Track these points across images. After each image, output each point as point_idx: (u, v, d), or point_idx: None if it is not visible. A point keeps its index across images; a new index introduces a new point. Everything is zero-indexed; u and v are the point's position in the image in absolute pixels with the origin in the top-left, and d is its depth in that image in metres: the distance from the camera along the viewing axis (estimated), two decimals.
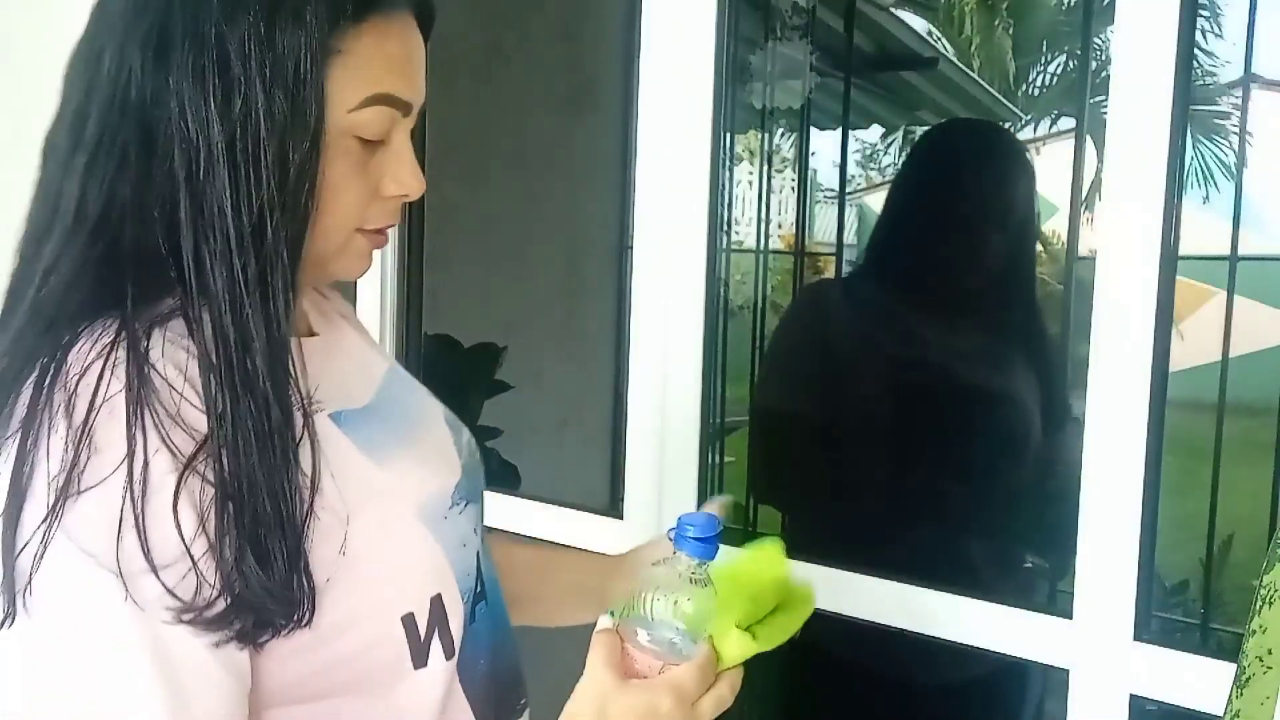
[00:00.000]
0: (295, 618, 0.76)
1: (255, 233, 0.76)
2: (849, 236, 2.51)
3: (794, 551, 1.51)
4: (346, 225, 0.84)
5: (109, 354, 0.74)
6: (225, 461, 0.74)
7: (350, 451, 0.85)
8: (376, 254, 0.91)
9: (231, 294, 0.76)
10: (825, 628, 1.65)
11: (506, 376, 2.84)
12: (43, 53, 2.40)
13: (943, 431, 1.84)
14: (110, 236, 0.78)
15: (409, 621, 0.83)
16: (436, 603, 0.86)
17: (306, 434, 0.79)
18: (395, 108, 0.83)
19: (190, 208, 0.76)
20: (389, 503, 0.85)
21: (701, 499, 1.73)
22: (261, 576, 0.73)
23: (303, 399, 0.80)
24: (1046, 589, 1.86)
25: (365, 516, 0.82)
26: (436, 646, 0.85)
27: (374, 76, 0.81)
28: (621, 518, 1.80)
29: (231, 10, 0.76)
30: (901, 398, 1.86)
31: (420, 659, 0.84)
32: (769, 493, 2.12)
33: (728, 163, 1.83)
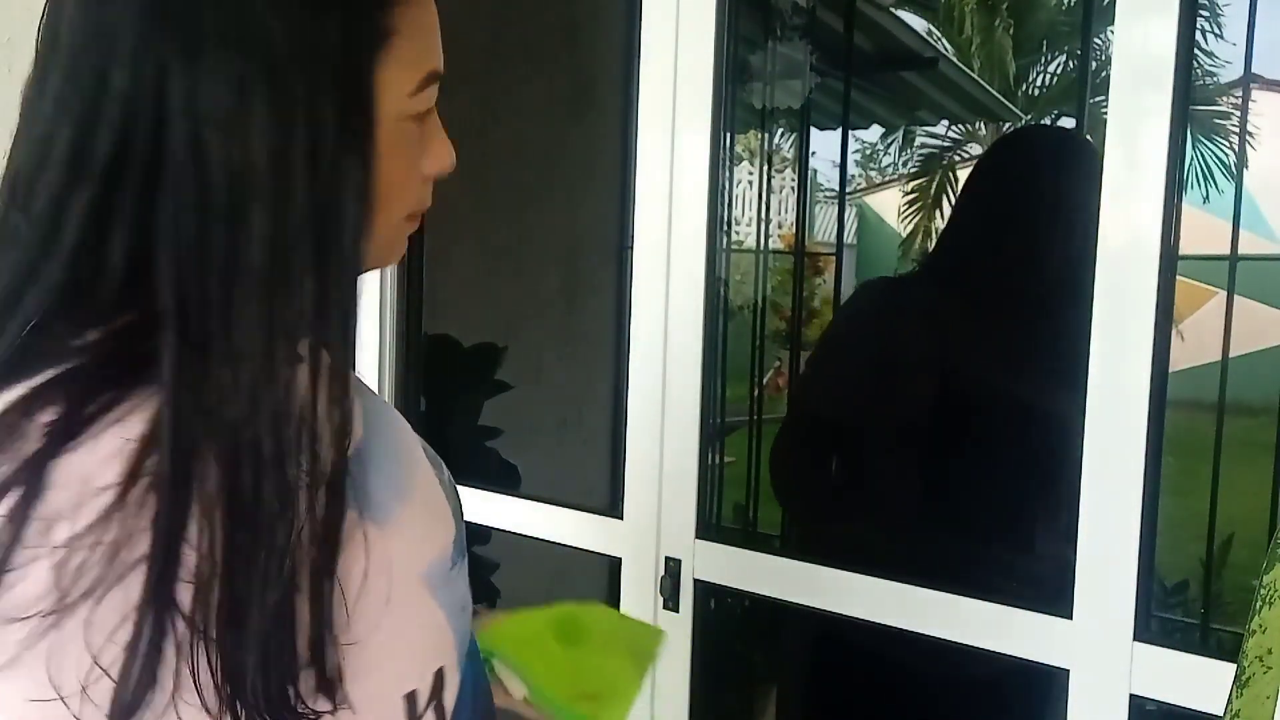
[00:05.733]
0: None
1: (317, 262, 0.65)
2: (849, 236, 2.52)
3: (804, 554, 1.51)
4: (402, 215, 0.76)
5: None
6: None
7: (349, 516, 0.68)
8: None
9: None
10: (828, 628, 1.66)
11: (506, 376, 2.85)
12: None
13: (1002, 442, 1.84)
14: (132, 289, 0.65)
15: (410, 699, 0.73)
16: (437, 676, 0.75)
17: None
18: (439, 82, 0.75)
19: (258, 228, 0.64)
20: (393, 573, 0.71)
21: (701, 499, 1.73)
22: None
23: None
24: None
25: (369, 594, 0.68)
26: (430, 717, 0.75)
27: (426, 52, 0.73)
28: (621, 518, 1.80)
29: (272, 3, 0.65)
30: (957, 405, 1.86)
31: None
32: (792, 487, 2.08)
33: (728, 163, 1.83)
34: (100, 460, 0.60)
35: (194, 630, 0.60)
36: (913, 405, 1.87)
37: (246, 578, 0.61)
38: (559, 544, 1.90)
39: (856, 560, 1.62)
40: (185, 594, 0.60)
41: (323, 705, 0.65)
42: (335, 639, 0.65)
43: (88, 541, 0.58)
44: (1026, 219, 1.85)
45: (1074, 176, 1.84)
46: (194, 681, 0.60)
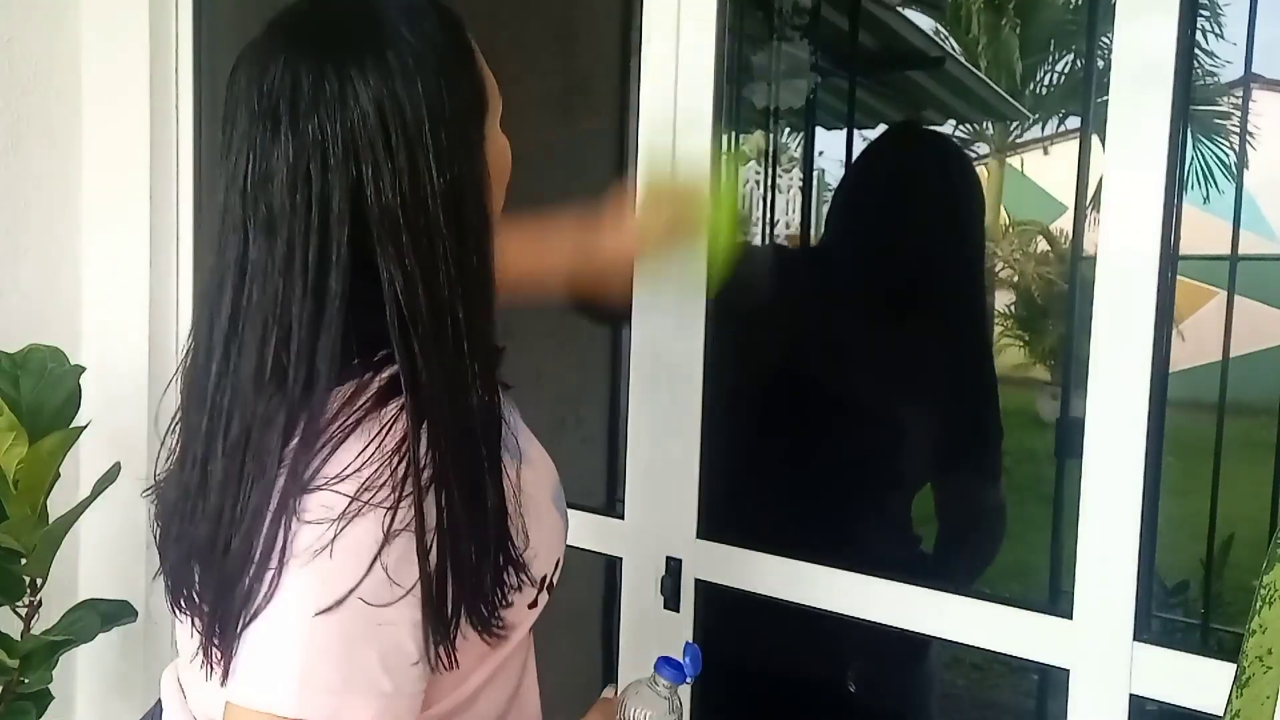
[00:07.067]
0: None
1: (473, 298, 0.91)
2: None
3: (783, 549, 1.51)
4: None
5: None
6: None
7: (509, 463, 0.97)
8: None
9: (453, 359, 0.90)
10: (828, 627, 1.66)
11: (505, 376, 2.84)
12: (44, 53, 2.39)
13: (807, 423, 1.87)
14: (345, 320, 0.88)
15: (543, 581, 1.02)
16: (558, 565, 1.06)
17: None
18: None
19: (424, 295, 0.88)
20: (539, 496, 1.03)
21: (701, 499, 1.73)
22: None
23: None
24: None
25: (528, 515, 0.98)
26: (544, 595, 1.03)
27: (499, 105, 0.99)
28: (622, 518, 1.80)
29: (453, 108, 0.90)
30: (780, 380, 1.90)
31: (535, 604, 1.02)
32: None
33: (731, 163, 1.83)
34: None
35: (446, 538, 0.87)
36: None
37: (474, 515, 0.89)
38: None
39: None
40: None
41: (514, 582, 0.94)
42: (524, 540, 0.96)
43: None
44: (885, 216, 1.87)
45: (937, 180, 1.85)
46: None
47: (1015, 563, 1.89)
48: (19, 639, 2.05)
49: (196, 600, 0.91)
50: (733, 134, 1.81)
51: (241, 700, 0.85)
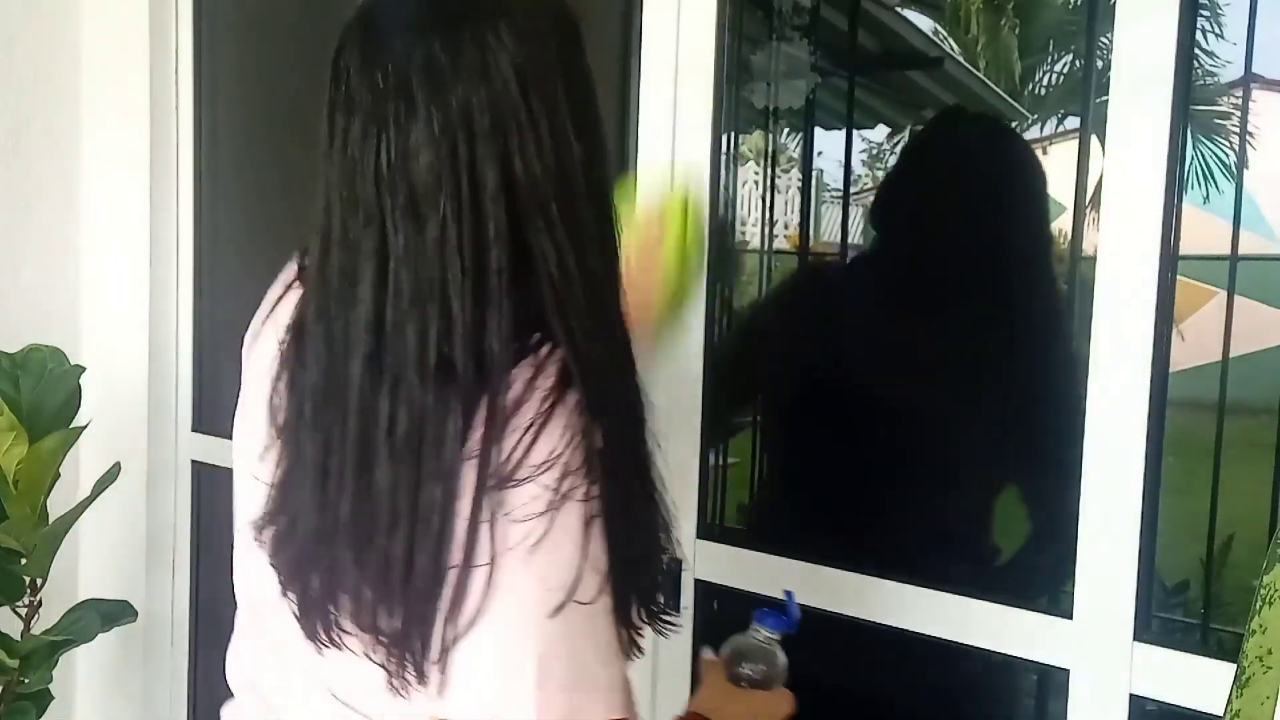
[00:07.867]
0: None
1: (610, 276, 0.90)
2: (854, 237, 2.52)
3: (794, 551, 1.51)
4: None
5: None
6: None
7: None
8: None
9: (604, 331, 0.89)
10: (824, 626, 1.66)
11: None
12: (44, 53, 2.39)
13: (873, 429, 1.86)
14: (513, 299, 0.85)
15: None
16: None
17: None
18: None
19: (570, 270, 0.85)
20: None
21: (702, 500, 1.73)
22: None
23: None
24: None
25: None
26: None
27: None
28: None
29: (577, 75, 0.89)
30: (840, 389, 1.87)
31: None
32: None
33: (731, 163, 1.83)
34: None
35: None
36: (790, 380, 1.89)
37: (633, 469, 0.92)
38: None
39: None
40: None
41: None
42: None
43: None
44: (943, 207, 1.85)
45: (1001, 166, 1.83)
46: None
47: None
48: (19, 639, 2.05)
49: (364, 622, 0.84)
50: (732, 134, 1.80)
51: (472, 713, 0.83)
